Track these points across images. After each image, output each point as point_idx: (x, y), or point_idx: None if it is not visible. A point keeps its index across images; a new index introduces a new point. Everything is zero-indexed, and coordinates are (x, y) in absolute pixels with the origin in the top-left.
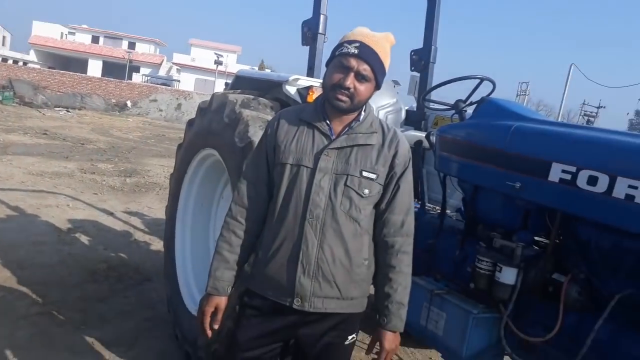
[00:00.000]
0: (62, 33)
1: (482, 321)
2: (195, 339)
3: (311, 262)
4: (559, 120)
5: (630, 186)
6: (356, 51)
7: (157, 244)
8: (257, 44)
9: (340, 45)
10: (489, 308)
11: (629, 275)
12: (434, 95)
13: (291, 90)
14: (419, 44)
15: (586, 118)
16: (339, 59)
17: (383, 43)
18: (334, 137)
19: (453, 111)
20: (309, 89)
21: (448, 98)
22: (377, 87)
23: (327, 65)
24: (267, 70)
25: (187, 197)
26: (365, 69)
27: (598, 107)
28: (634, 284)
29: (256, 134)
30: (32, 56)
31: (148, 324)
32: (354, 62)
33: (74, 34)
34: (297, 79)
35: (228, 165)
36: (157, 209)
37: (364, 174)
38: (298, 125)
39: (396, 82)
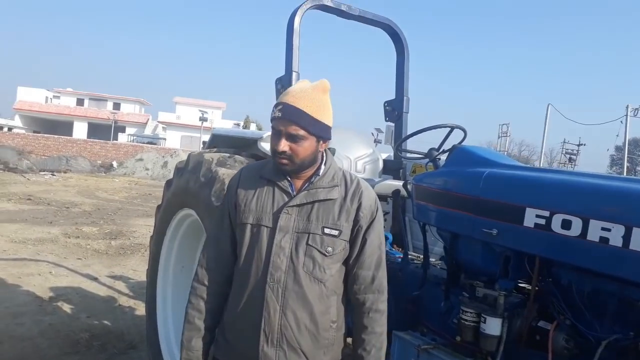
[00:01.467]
0: (47, 97)
1: None
2: None
3: (274, 330)
4: (542, 159)
5: (603, 228)
6: (280, 114)
7: (142, 309)
8: (242, 100)
9: (273, 110)
10: None
11: (613, 319)
12: (411, 144)
13: (266, 146)
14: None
15: (568, 156)
16: (271, 125)
17: (312, 96)
18: (294, 193)
19: (427, 160)
20: None
21: (427, 145)
22: (321, 139)
23: None
24: (253, 125)
25: (167, 258)
26: (294, 129)
27: (578, 145)
28: (619, 328)
29: None
30: (17, 121)
31: None
32: (280, 126)
33: (58, 97)
34: None
35: (205, 225)
36: (142, 271)
37: (326, 230)
38: (259, 182)
39: (379, 130)
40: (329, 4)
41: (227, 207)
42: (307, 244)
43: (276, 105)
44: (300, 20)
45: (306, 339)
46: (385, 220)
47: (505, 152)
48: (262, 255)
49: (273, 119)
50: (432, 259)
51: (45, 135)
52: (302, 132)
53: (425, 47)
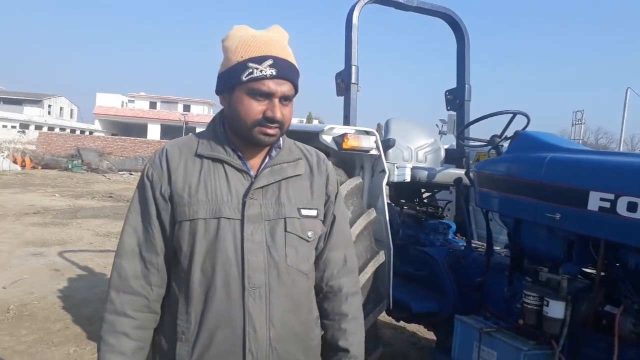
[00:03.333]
0: (122, 102)
1: (534, 357)
2: None
3: (262, 347)
4: (621, 147)
5: None
6: (274, 71)
7: None
8: (304, 97)
9: (243, 66)
10: (540, 344)
11: None
12: (474, 132)
13: (327, 138)
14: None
15: None
16: (251, 86)
17: (287, 43)
18: (252, 173)
19: (489, 147)
20: (343, 136)
21: (490, 133)
22: (296, 92)
23: (222, 92)
24: (316, 121)
25: None
26: (288, 89)
27: None
28: None
29: None
30: (96, 125)
31: None
32: (274, 86)
33: (133, 101)
34: (333, 128)
35: None
36: None
37: (303, 212)
38: (198, 163)
39: (444, 122)
40: None
41: (152, 202)
42: (285, 231)
43: (261, 59)
44: (359, 15)
45: (297, 347)
46: (448, 209)
47: (580, 140)
48: (231, 256)
49: (259, 78)
50: (496, 247)
51: (122, 137)
52: (293, 92)
53: (493, 33)
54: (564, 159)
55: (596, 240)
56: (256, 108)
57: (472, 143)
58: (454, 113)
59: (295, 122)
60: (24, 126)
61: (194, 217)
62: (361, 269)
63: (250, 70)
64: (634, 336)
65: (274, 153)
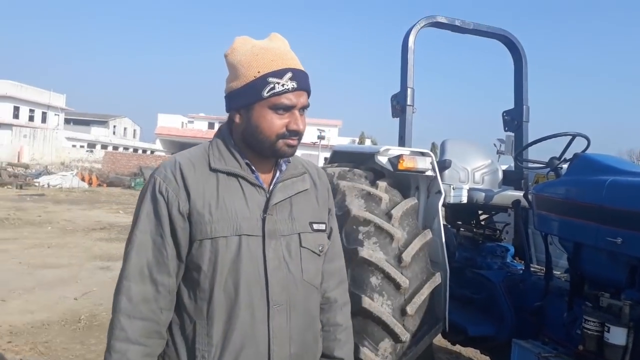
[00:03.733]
0: (182, 122)
1: None
2: None
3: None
4: None
5: None
6: (295, 84)
7: None
8: (357, 116)
9: (263, 81)
10: None
11: None
12: (532, 154)
13: (382, 159)
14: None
15: None
16: (274, 101)
17: (294, 53)
18: (265, 187)
19: (548, 169)
20: (399, 157)
21: (548, 154)
22: None
23: (237, 108)
24: (368, 141)
25: None
26: (306, 100)
27: None
28: None
29: (352, 203)
30: (158, 145)
31: None
32: (294, 99)
33: (192, 122)
34: (388, 149)
35: None
36: None
37: (315, 226)
38: (213, 178)
39: (501, 141)
40: (443, 20)
41: (165, 219)
42: (300, 246)
43: (279, 74)
44: (415, 38)
45: (310, 359)
46: (507, 232)
47: None
48: (254, 274)
49: (281, 93)
50: (555, 272)
51: None
52: (308, 102)
53: (554, 52)
54: (626, 182)
55: None
56: (279, 122)
57: (530, 165)
58: (512, 134)
59: (347, 142)
60: (91, 145)
61: (216, 235)
62: (417, 291)
63: (272, 85)
64: None
65: (284, 167)
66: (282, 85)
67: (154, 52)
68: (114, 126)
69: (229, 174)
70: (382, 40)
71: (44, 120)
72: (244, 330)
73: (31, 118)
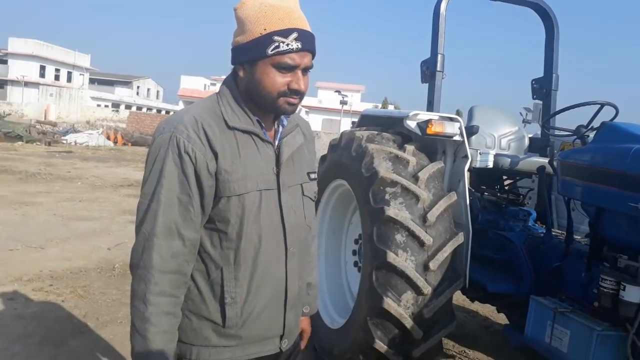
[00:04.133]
0: (204, 84)
1: (606, 339)
2: (332, 349)
3: (295, 295)
4: None
5: None
6: (299, 45)
7: None
8: (380, 82)
9: (268, 39)
10: (614, 326)
11: None
12: (559, 122)
13: (411, 124)
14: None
15: None
16: (278, 60)
17: (302, 13)
18: (273, 142)
19: (575, 137)
20: (428, 121)
21: (575, 123)
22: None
23: (241, 63)
24: (391, 107)
25: (321, 222)
26: (309, 60)
27: None
28: None
29: (380, 165)
30: (180, 106)
31: None
32: (298, 59)
33: (215, 84)
34: (417, 114)
35: (356, 193)
36: None
37: (312, 175)
38: (231, 136)
39: (528, 110)
40: None
41: (192, 178)
42: (303, 195)
43: (285, 33)
44: (447, 5)
45: (304, 296)
46: (530, 198)
47: None
48: (275, 223)
49: (285, 52)
50: (576, 236)
51: None
52: (312, 63)
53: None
54: None
55: None
56: (281, 80)
57: (557, 132)
58: (540, 102)
59: (370, 107)
60: (115, 105)
61: (242, 191)
62: (439, 248)
63: (277, 44)
64: None
65: (285, 122)
66: (287, 44)
67: (178, 14)
68: (138, 87)
69: (244, 131)
70: (405, 5)
71: (69, 79)
72: (266, 272)
73: (57, 77)
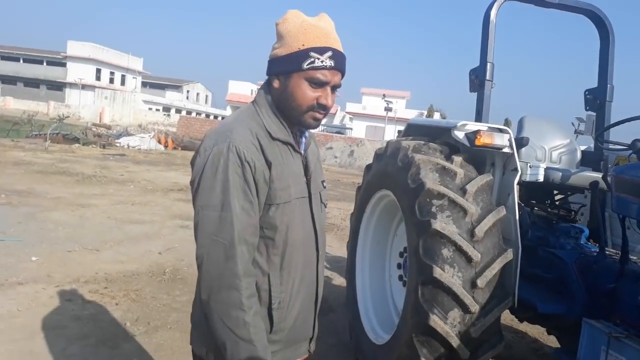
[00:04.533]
0: (251, 90)
1: None
2: None
3: (321, 298)
4: None
5: None
6: (332, 63)
7: (338, 279)
8: (425, 88)
9: (305, 54)
10: None
11: None
12: (614, 135)
13: (459, 134)
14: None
15: None
16: (311, 75)
17: (337, 35)
18: (302, 152)
19: (630, 151)
20: (476, 132)
21: (632, 136)
22: None
23: (277, 74)
24: (437, 114)
25: (365, 233)
26: (339, 78)
27: None
28: None
29: (427, 176)
30: (228, 111)
31: (333, 349)
32: (329, 76)
33: None
34: (465, 124)
35: (402, 205)
36: (337, 248)
37: (324, 184)
38: (275, 147)
39: (580, 120)
40: None
41: (252, 185)
42: (321, 202)
43: (320, 50)
44: (497, 12)
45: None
46: (582, 214)
47: None
48: (310, 230)
49: (319, 68)
50: (632, 257)
51: None
52: (341, 82)
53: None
54: None
55: None
56: (311, 94)
57: (611, 146)
58: (593, 114)
59: (415, 114)
60: (166, 109)
61: (287, 199)
62: (488, 265)
63: (312, 59)
64: None
65: (306, 134)
66: (322, 61)
67: (227, 20)
68: (187, 91)
69: (284, 142)
70: (452, 13)
71: (122, 82)
72: (304, 276)
73: (111, 80)
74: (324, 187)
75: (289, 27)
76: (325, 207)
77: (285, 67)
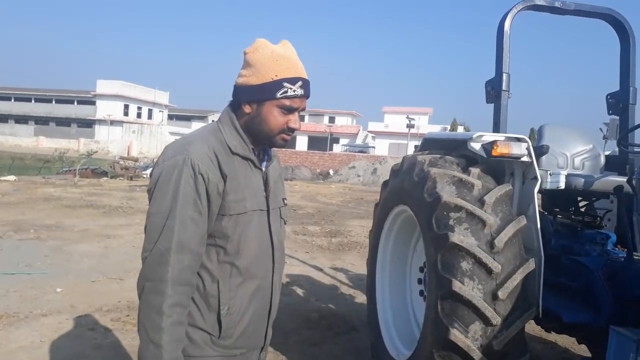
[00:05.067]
0: None
1: None
2: None
3: (275, 308)
4: None
5: None
6: (302, 91)
7: (360, 297)
8: (448, 103)
9: (278, 84)
10: None
11: None
12: (638, 137)
13: (476, 146)
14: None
15: None
16: (283, 102)
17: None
18: (262, 169)
19: None
20: (493, 143)
21: None
22: None
23: (250, 101)
24: (460, 128)
25: (384, 250)
26: (305, 103)
27: None
28: None
29: (443, 189)
30: None
31: None
32: (299, 103)
33: None
34: (482, 135)
35: (419, 220)
36: (359, 265)
37: (285, 201)
38: (234, 161)
39: (608, 125)
40: (542, 2)
41: (204, 197)
42: (280, 217)
43: (292, 81)
44: (511, 22)
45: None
46: (608, 220)
47: None
48: (266, 242)
49: (292, 97)
50: None
51: (274, 149)
52: (305, 106)
53: None
54: None
55: None
56: (282, 120)
57: (636, 149)
58: (617, 117)
59: (437, 129)
60: None
61: (242, 211)
62: (509, 276)
63: (285, 89)
64: None
65: (270, 152)
66: (294, 90)
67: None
68: (212, 120)
69: (244, 157)
70: (475, 25)
71: (149, 116)
72: (256, 285)
73: (139, 115)
74: (285, 204)
75: (260, 57)
76: (285, 223)
77: (258, 95)
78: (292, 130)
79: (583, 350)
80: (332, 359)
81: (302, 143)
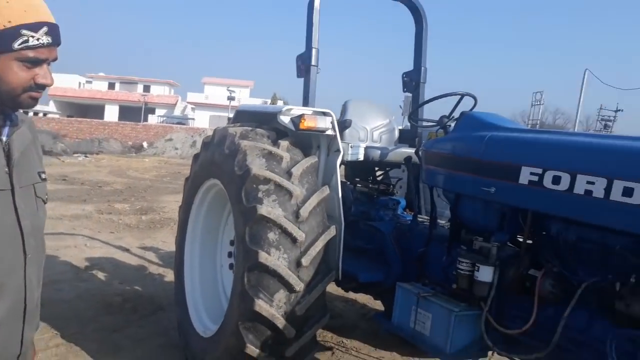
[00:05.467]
0: (79, 82)
1: (464, 318)
2: (204, 358)
3: (34, 307)
4: (576, 127)
5: (588, 182)
6: (50, 39)
7: (170, 276)
8: (270, 77)
9: (15, 32)
10: (470, 306)
11: (594, 264)
12: (429, 114)
13: (285, 119)
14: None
15: (603, 123)
16: (25, 54)
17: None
18: (4, 138)
19: (438, 127)
20: (301, 116)
21: (443, 113)
22: None
23: None
24: (280, 102)
25: (194, 225)
26: (56, 53)
27: (616, 111)
28: (598, 272)
29: (253, 162)
30: (51, 107)
31: (161, 349)
32: (47, 53)
33: (91, 82)
34: (290, 109)
35: (229, 193)
36: (172, 243)
37: (42, 176)
38: None
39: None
40: None
41: None
42: (36, 196)
43: (36, 27)
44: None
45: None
46: (400, 187)
47: (538, 121)
48: (11, 227)
49: (35, 47)
50: (441, 221)
51: (79, 119)
52: (57, 56)
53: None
54: (502, 137)
55: (525, 211)
56: (26, 75)
57: (423, 123)
58: (410, 95)
59: (258, 102)
60: None
61: None
62: (312, 243)
63: (25, 38)
64: (552, 296)
65: (13, 117)
66: (37, 39)
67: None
68: None
69: None
70: (299, 3)
71: None
72: (3, 282)
73: None
74: (42, 180)
75: None
76: (45, 202)
77: None
78: (42, 86)
79: (379, 305)
80: (136, 343)
81: (112, 113)
